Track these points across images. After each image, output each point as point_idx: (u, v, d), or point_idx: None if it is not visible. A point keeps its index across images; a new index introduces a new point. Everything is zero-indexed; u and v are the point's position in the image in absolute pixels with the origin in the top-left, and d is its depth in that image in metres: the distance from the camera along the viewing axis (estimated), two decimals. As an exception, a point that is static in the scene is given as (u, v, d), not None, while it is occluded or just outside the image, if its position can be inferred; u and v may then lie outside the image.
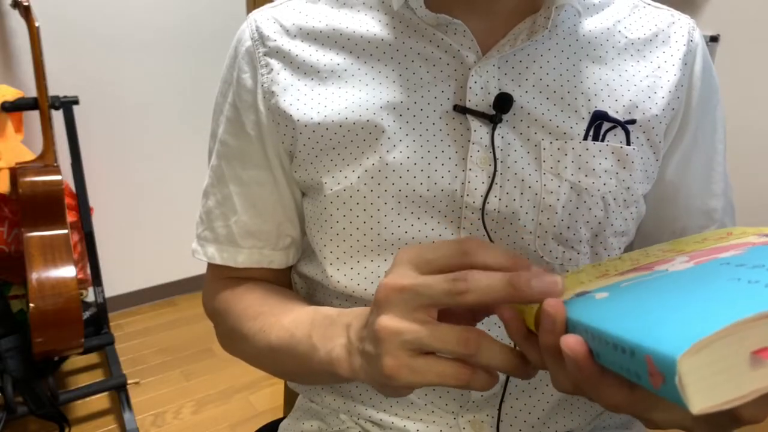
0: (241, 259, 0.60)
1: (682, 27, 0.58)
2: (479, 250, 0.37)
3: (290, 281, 0.65)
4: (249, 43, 0.56)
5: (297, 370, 0.54)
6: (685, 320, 0.26)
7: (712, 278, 0.31)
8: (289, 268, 0.64)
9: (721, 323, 0.24)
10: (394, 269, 0.39)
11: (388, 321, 0.37)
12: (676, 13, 0.59)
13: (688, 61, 0.57)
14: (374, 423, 0.58)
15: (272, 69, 0.55)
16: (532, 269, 0.36)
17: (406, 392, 0.40)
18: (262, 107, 0.55)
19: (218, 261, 0.61)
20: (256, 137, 0.57)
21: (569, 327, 0.33)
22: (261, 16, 0.57)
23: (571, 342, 0.31)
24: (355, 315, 0.46)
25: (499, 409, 0.56)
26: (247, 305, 0.58)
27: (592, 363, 0.31)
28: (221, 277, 0.63)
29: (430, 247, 0.39)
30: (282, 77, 0.55)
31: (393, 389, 0.39)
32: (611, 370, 0.30)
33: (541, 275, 0.34)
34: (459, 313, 0.41)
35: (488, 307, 0.39)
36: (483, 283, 0.35)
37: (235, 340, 0.60)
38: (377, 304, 0.39)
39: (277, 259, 0.61)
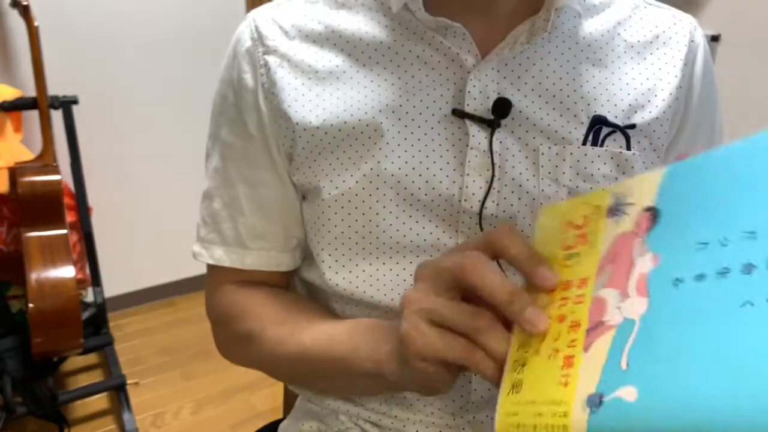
0: (249, 261, 0.59)
1: (683, 28, 0.57)
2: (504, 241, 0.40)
3: (295, 285, 0.65)
4: (249, 43, 0.56)
5: (330, 374, 0.53)
6: None
7: (708, 316, 0.27)
8: (294, 272, 0.64)
9: None
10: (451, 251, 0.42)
11: (414, 292, 0.41)
12: (678, 14, 0.58)
13: (688, 61, 0.56)
14: (373, 424, 0.58)
15: (271, 69, 0.55)
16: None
17: (436, 384, 0.41)
18: (263, 107, 0.55)
19: (227, 263, 0.60)
20: (260, 137, 0.56)
21: None
22: (260, 16, 0.57)
23: None
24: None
25: (499, 411, 0.55)
26: (270, 310, 0.58)
27: None
28: (227, 281, 0.62)
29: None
30: (280, 77, 0.54)
31: (421, 377, 0.41)
32: None
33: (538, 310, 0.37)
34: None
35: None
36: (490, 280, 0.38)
37: (248, 344, 0.58)
38: (413, 279, 0.43)
39: (285, 261, 0.60)
